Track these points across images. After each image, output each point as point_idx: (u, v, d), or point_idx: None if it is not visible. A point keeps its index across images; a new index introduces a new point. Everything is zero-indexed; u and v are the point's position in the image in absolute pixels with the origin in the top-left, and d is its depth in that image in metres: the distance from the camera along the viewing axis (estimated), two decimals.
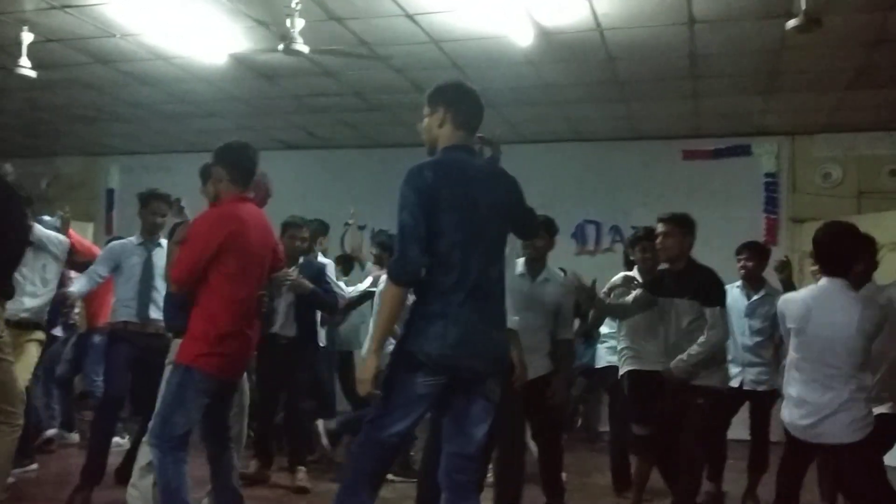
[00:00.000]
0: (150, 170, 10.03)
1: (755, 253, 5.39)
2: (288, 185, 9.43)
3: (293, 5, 5.30)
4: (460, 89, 3.01)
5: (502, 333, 2.98)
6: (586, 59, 6.52)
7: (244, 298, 3.54)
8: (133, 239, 5.04)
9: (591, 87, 7.22)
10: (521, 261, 4.49)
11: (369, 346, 2.84)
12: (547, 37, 6.02)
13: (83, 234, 7.04)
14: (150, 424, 3.56)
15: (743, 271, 5.33)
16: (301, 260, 5.44)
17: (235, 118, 8.53)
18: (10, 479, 4.28)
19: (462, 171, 2.85)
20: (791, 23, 5.05)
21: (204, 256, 3.44)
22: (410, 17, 5.76)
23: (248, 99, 7.96)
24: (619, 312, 4.74)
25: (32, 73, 6.19)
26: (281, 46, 5.58)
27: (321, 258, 5.95)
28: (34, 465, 5.44)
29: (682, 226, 4.39)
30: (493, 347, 2.88)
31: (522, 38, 5.94)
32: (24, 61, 6.09)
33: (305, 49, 5.51)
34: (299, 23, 5.41)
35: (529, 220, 3.23)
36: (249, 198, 3.72)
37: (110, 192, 10.57)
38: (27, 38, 6.03)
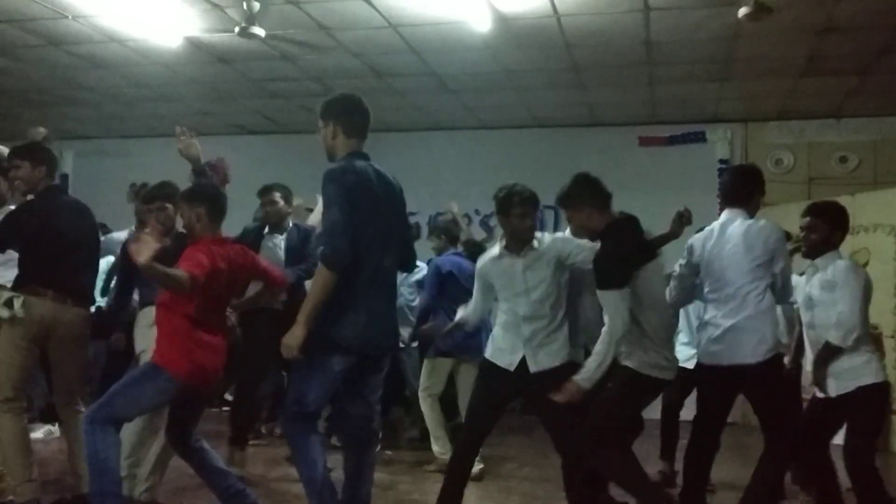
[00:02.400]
0: (105, 155, 9.89)
1: None
2: (246, 171, 9.35)
3: None
4: (347, 103, 3.38)
5: (395, 314, 3.51)
6: (544, 46, 6.57)
7: (211, 309, 3.51)
8: None
9: (549, 73, 7.28)
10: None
11: (300, 318, 3.15)
12: (505, 22, 6.05)
13: None
14: (95, 403, 3.44)
15: None
16: (290, 224, 5.31)
17: (192, 102, 8.43)
18: None
19: (368, 175, 3.27)
20: (742, 10, 5.16)
21: (208, 268, 3.36)
22: (368, 0, 5.75)
23: (205, 83, 7.87)
24: None
25: None
26: (237, 29, 5.54)
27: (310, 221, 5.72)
28: None
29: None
30: (392, 327, 3.47)
31: (480, 24, 5.97)
32: None
33: (262, 32, 5.48)
34: (255, 5, 5.39)
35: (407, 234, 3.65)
36: (228, 239, 3.68)
37: (64, 178, 10.35)
38: None
